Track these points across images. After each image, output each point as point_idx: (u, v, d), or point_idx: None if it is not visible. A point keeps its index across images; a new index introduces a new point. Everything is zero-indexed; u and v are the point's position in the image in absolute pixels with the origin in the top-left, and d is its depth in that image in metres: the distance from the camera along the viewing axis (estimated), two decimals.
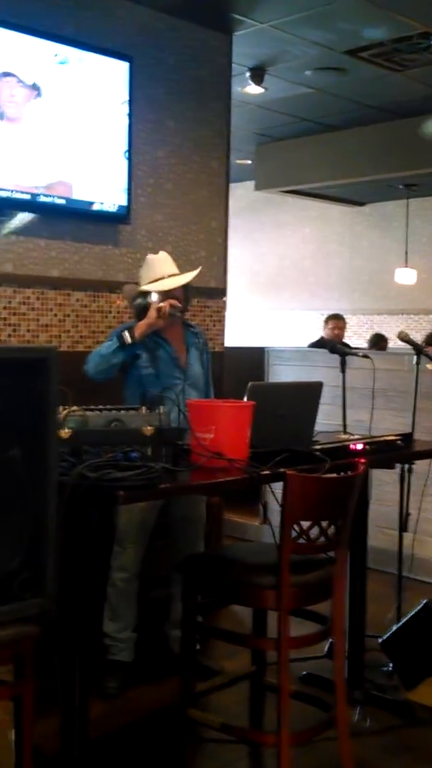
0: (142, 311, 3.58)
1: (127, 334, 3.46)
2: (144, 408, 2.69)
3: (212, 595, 2.85)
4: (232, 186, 5.29)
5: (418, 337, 7.37)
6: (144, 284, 3.63)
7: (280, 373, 5.92)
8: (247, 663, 3.16)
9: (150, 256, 3.73)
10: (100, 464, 2.35)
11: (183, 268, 4.62)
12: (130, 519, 3.43)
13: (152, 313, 3.48)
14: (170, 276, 3.63)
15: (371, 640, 3.55)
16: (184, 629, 2.77)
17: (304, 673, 3.55)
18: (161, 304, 3.49)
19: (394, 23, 5.12)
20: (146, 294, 3.59)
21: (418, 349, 4.05)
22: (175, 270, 3.69)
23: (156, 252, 3.80)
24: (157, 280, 3.60)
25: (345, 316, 8.27)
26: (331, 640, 2.86)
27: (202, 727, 2.86)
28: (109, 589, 3.46)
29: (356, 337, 9.45)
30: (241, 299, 10.39)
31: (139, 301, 3.63)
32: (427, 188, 9.16)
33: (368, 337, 8.91)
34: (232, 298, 5.54)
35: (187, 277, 3.67)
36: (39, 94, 4.03)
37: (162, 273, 3.62)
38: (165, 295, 3.55)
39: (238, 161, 8.68)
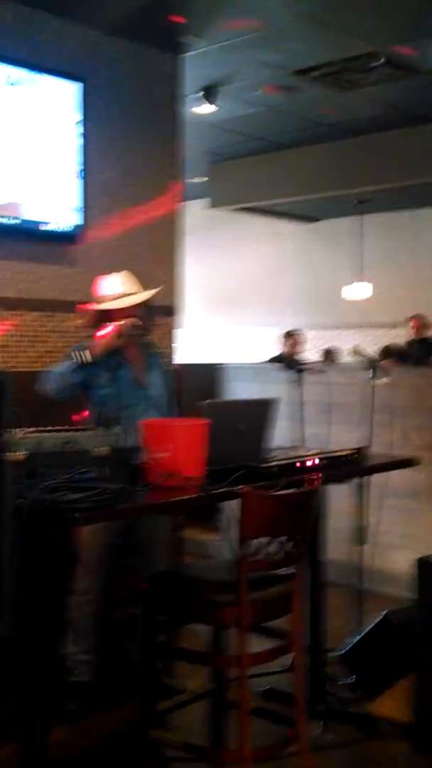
0: (98, 329, 3.57)
1: (86, 353, 3.43)
2: (99, 428, 2.69)
3: (172, 614, 2.85)
4: (188, 204, 5.34)
5: (372, 351, 7.46)
6: (104, 303, 3.61)
7: (238, 390, 5.94)
8: (206, 680, 3.16)
9: (111, 275, 3.70)
10: (55, 486, 2.34)
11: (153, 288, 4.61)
12: (90, 541, 3.41)
13: (111, 332, 3.46)
14: (130, 294, 3.61)
15: (332, 653, 3.57)
16: (144, 649, 2.76)
17: (267, 688, 3.55)
18: (121, 323, 3.47)
19: (342, 44, 5.21)
20: (106, 313, 3.57)
21: (372, 363, 4.11)
22: (136, 288, 3.66)
23: (111, 271, 3.80)
24: (116, 298, 3.58)
25: (301, 331, 8.35)
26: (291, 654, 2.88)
27: (164, 747, 2.85)
28: (72, 612, 3.43)
29: (312, 351, 9.52)
30: (197, 316, 10.43)
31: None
32: (380, 204, 9.29)
33: (321, 351, 9.00)
34: (188, 316, 5.57)
35: (145, 295, 3.63)
36: None
37: (122, 291, 3.60)
38: (125, 313, 3.53)
39: (193, 180, 8.73)
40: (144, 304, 3.61)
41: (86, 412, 3.53)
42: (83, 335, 4.46)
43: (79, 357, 3.42)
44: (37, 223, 4.22)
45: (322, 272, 10.62)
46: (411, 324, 8.54)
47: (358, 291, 9.82)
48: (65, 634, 3.42)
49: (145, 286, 3.79)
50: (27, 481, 2.39)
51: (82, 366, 3.43)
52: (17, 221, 4.12)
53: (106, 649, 3.46)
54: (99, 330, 3.59)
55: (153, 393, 3.62)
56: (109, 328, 3.48)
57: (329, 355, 8.64)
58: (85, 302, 4.46)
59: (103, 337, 3.48)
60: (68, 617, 3.42)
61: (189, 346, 6.17)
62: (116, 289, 3.61)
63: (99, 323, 3.59)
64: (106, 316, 3.57)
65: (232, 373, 6.04)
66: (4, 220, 4.08)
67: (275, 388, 5.43)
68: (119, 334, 3.45)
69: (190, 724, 3.19)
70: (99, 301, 3.64)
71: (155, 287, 3.77)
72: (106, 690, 3.51)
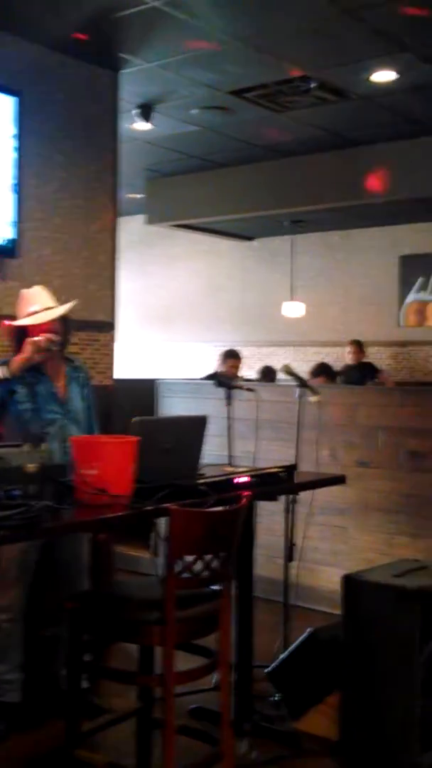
0: (18, 345, 3.52)
1: (4, 369, 3.39)
2: (27, 445, 2.67)
3: (99, 633, 2.83)
4: (124, 219, 5.34)
5: (306, 368, 7.55)
6: (20, 318, 3.56)
7: (171, 406, 5.95)
8: (136, 699, 3.14)
9: (24, 291, 3.62)
10: None
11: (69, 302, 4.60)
12: (10, 559, 3.36)
13: (28, 348, 3.40)
14: (46, 309, 3.54)
15: (259, 670, 3.59)
16: (69, 668, 2.74)
17: (194, 706, 3.55)
18: (37, 339, 3.42)
19: (276, 67, 5.30)
20: (25, 328, 3.53)
21: (302, 382, 4.17)
22: (51, 303, 3.59)
23: (45, 285, 3.75)
24: (32, 314, 3.53)
25: (236, 348, 8.42)
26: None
27: (89, 767, 2.82)
28: None
29: (246, 368, 9.59)
30: (133, 332, 10.42)
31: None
32: (312, 225, 9.44)
33: (258, 368, 9.07)
34: (123, 331, 5.57)
35: (61, 310, 3.57)
36: None
37: (37, 306, 3.54)
38: (42, 328, 3.48)
39: (129, 195, 8.74)
40: (61, 318, 3.55)
41: (2, 429, 3.47)
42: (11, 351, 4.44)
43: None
44: None
45: (257, 290, 10.72)
46: (349, 349, 8.69)
47: (292, 309, 9.94)
48: None
49: (81, 302, 3.76)
50: None
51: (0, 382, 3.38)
52: None
53: (31, 668, 3.42)
54: (15, 345, 3.54)
55: (72, 407, 3.57)
56: (25, 344, 3.43)
57: (268, 372, 8.71)
58: (13, 318, 4.44)
59: (20, 353, 3.44)
60: None
61: (124, 362, 6.16)
62: (32, 304, 3.54)
63: (19, 339, 3.53)
64: (25, 332, 3.50)
65: (166, 389, 6.05)
66: None
67: (209, 404, 5.47)
68: (36, 349, 3.40)
69: (116, 744, 3.16)
70: (18, 316, 3.57)
71: (76, 300, 3.71)
72: (32, 709, 3.47)
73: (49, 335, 3.44)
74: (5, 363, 3.40)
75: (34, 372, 3.48)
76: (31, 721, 3.42)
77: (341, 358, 9.07)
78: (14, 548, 3.29)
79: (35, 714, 3.47)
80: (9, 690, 3.37)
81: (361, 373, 8.26)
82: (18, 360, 3.41)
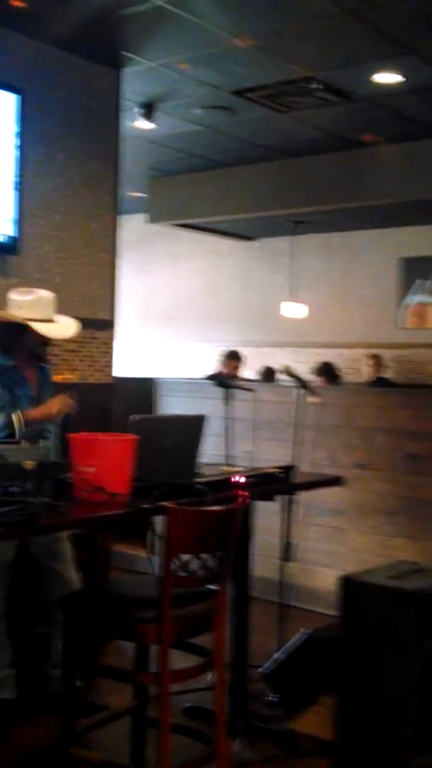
0: (14, 338, 3.48)
1: (19, 417, 3.28)
2: (24, 442, 2.67)
3: (94, 631, 2.83)
4: (126, 218, 5.34)
5: (306, 369, 7.55)
6: (28, 318, 3.48)
7: (170, 405, 5.96)
8: (132, 697, 3.14)
9: (40, 292, 3.57)
10: None
11: (72, 301, 4.63)
12: None
13: (53, 410, 3.38)
14: (50, 321, 3.51)
15: (255, 670, 3.59)
16: (64, 666, 2.74)
17: (189, 705, 3.55)
18: (63, 406, 3.40)
19: (279, 67, 5.30)
20: (23, 326, 3.46)
21: (302, 383, 4.16)
22: (55, 315, 3.58)
23: (46, 283, 3.73)
24: (40, 321, 3.47)
25: (236, 348, 8.41)
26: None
27: (84, 765, 2.82)
28: None
29: (246, 368, 9.59)
30: (133, 330, 10.41)
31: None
32: (313, 226, 9.43)
33: (258, 368, 9.07)
34: (124, 330, 5.57)
35: (74, 332, 3.62)
36: None
37: (48, 315, 3.51)
38: (43, 338, 3.49)
39: (131, 194, 8.74)
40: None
41: None
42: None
43: (15, 421, 3.28)
44: None
45: (258, 291, 10.71)
46: (369, 362, 8.63)
47: (294, 310, 9.93)
48: None
49: (78, 301, 3.76)
50: None
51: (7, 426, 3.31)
52: None
53: (24, 666, 3.42)
54: (6, 339, 3.49)
55: (43, 404, 3.56)
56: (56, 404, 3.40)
57: (268, 373, 8.71)
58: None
59: (48, 405, 3.41)
60: None
61: (124, 360, 6.16)
62: (45, 311, 3.51)
63: (14, 333, 3.48)
64: (23, 331, 3.46)
65: (165, 388, 6.06)
66: None
67: (208, 404, 5.47)
68: (62, 412, 3.39)
69: (110, 742, 3.16)
70: (21, 311, 3.48)
71: (68, 318, 3.67)
72: (26, 706, 3.47)
73: (71, 405, 3.42)
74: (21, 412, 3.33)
75: (13, 375, 3.46)
76: (23, 719, 3.43)
77: (340, 359, 9.07)
78: None
79: (29, 711, 3.48)
80: (3, 687, 3.37)
81: (382, 387, 8.20)
82: (37, 415, 3.37)
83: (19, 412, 3.29)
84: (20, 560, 3.45)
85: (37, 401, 3.51)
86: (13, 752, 3.22)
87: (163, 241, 11.10)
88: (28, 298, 3.52)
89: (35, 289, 3.60)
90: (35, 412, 3.39)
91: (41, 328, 3.46)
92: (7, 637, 3.40)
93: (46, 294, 3.57)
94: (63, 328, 3.57)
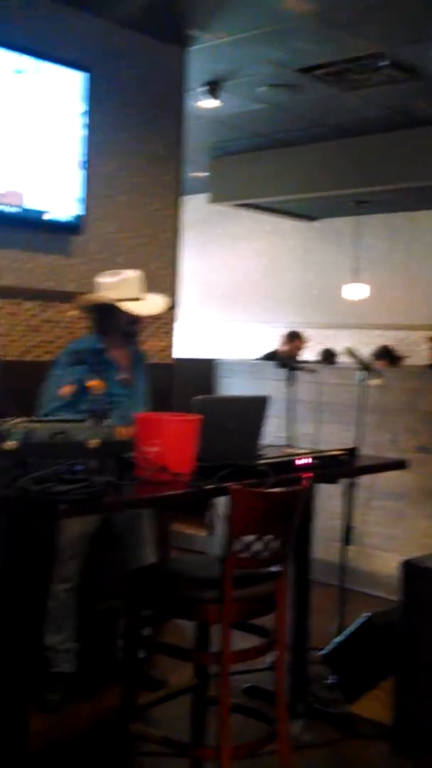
0: (104, 320, 3.56)
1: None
2: (89, 420, 2.69)
3: (156, 609, 2.85)
4: (187, 198, 5.32)
5: (367, 351, 7.47)
6: (116, 298, 3.55)
7: (230, 386, 5.95)
8: (191, 675, 3.16)
9: (127, 272, 3.65)
10: (43, 477, 2.34)
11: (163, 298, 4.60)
12: (71, 530, 3.41)
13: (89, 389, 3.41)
14: (138, 299, 3.57)
15: (315, 652, 3.58)
16: (126, 642, 2.76)
17: (248, 685, 3.56)
18: (95, 395, 3.42)
19: (346, 44, 5.21)
20: (112, 306, 3.54)
21: (365, 365, 4.11)
22: (145, 293, 3.64)
23: (109, 262, 3.76)
24: (130, 300, 3.54)
25: (304, 335, 8.35)
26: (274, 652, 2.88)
27: (143, 741, 2.86)
28: (50, 602, 3.43)
29: (306, 350, 9.54)
30: (193, 311, 10.42)
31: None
32: (377, 205, 9.30)
33: (318, 350, 9.00)
34: (184, 310, 5.56)
35: (162, 308, 3.70)
36: None
37: (136, 294, 3.58)
38: (131, 318, 3.55)
39: (194, 174, 8.71)
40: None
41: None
42: (78, 327, 4.47)
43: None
44: (40, 212, 4.21)
45: (319, 271, 10.62)
46: (426, 346, 8.46)
47: (355, 291, 9.82)
48: (45, 625, 3.43)
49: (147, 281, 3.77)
50: (15, 471, 2.39)
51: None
52: (19, 210, 4.11)
53: (88, 640, 3.47)
54: (94, 317, 3.57)
55: (135, 389, 3.63)
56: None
57: (328, 355, 8.64)
58: (83, 293, 4.48)
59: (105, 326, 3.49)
60: (48, 606, 3.43)
61: (184, 341, 6.17)
62: (132, 290, 3.58)
63: (104, 313, 3.57)
64: (112, 310, 3.54)
65: (226, 369, 6.05)
66: (6, 208, 4.06)
67: (268, 385, 5.44)
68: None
69: (170, 719, 3.19)
70: (110, 292, 3.58)
71: (156, 293, 3.75)
72: (87, 679, 3.52)
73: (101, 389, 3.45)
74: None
75: (102, 357, 3.53)
76: (84, 693, 3.48)
77: (403, 341, 8.95)
78: (74, 520, 3.34)
79: (90, 685, 3.53)
80: (64, 660, 3.43)
81: None
82: (66, 392, 3.40)
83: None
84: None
85: (129, 382, 3.59)
86: (70, 727, 3.27)
87: (223, 221, 11.07)
88: (115, 279, 3.60)
89: (122, 270, 3.68)
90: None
91: (128, 306, 3.51)
92: (75, 609, 3.46)
93: (132, 273, 3.64)
94: (150, 305, 3.63)
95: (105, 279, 3.64)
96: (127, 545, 3.59)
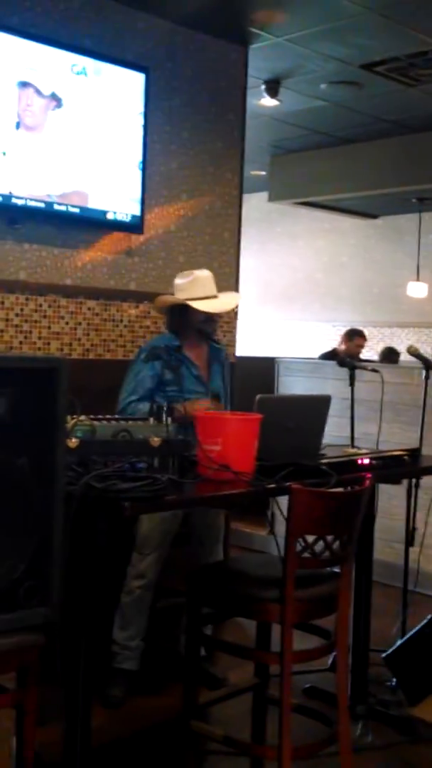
0: (178, 319, 3.67)
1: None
2: (151, 419, 2.70)
3: (217, 608, 2.85)
4: (246, 197, 5.31)
5: (430, 351, 7.36)
6: (187, 298, 3.65)
7: (290, 384, 5.93)
8: (251, 674, 3.16)
9: (197, 272, 3.75)
10: (106, 475, 2.36)
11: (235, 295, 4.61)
12: (153, 527, 3.43)
13: (188, 410, 3.34)
14: (212, 297, 3.67)
15: (375, 654, 3.55)
16: (188, 640, 2.77)
17: (308, 685, 3.55)
18: (199, 409, 3.34)
19: (409, 39, 5.14)
20: (185, 306, 3.63)
21: (428, 364, 4.05)
22: (216, 291, 3.73)
23: (169, 262, 3.81)
24: (201, 299, 3.64)
25: (365, 333, 8.26)
26: (335, 653, 2.86)
27: (204, 739, 2.86)
28: (123, 597, 3.45)
29: (366, 349, 9.46)
30: (253, 310, 10.41)
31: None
32: None
33: (379, 349, 8.90)
34: (244, 309, 5.55)
35: (232, 304, 3.85)
36: (59, 105, 4.06)
37: (207, 293, 3.67)
38: (206, 315, 3.62)
39: (253, 172, 8.70)
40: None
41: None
42: (137, 326, 4.51)
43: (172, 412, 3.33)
44: (103, 212, 4.25)
45: (380, 270, 10.51)
46: None
47: (417, 289, 9.70)
48: (114, 619, 3.45)
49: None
50: (78, 469, 2.41)
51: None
52: (77, 210, 4.16)
53: (151, 636, 3.48)
54: (171, 319, 3.69)
55: (213, 386, 3.68)
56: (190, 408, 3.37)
57: (389, 354, 8.53)
58: (142, 292, 4.52)
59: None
60: (120, 602, 3.45)
61: (243, 340, 6.16)
62: (205, 289, 3.67)
63: (178, 314, 3.68)
64: (186, 310, 3.64)
65: (285, 368, 6.03)
66: (72, 209, 4.12)
67: (328, 384, 5.41)
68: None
69: (230, 718, 3.20)
70: (182, 293, 3.69)
71: (233, 292, 3.90)
72: (148, 678, 3.54)
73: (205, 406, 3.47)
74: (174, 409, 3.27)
75: (178, 354, 3.58)
76: (145, 690, 3.50)
77: None
78: (157, 517, 3.36)
79: (150, 683, 3.55)
80: (129, 658, 3.45)
81: None
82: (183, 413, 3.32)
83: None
84: None
85: (206, 378, 3.66)
86: (136, 722, 3.30)
87: (282, 219, 11.04)
88: (187, 279, 3.73)
89: (194, 271, 3.79)
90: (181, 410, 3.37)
91: (200, 305, 3.61)
92: (148, 607, 3.47)
93: (202, 273, 3.75)
94: (221, 302, 3.71)
95: (178, 280, 3.77)
96: (203, 542, 3.63)
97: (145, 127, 4.42)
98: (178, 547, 3.63)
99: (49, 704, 2.36)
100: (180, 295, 3.70)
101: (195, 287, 3.67)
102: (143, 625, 3.47)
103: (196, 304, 3.62)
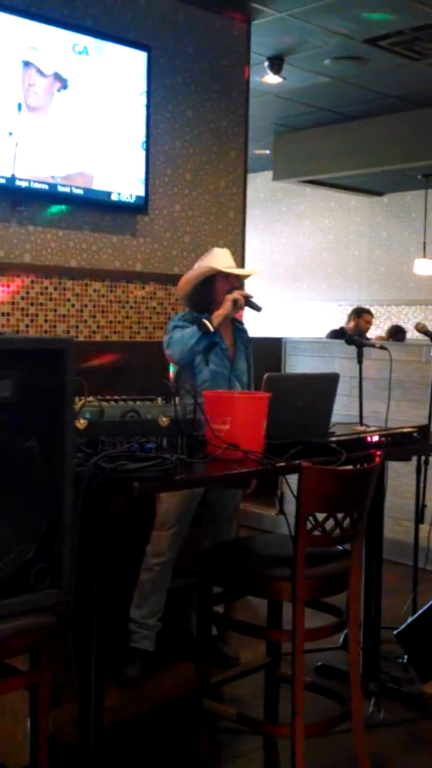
0: (203, 296, 3.64)
1: (207, 322, 3.49)
2: (160, 399, 2.70)
3: (228, 587, 2.85)
4: (251, 176, 5.28)
5: None
6: (203, 270, 3.66)
7: (298, 364, 5.92)
8: (263, 653, 3.17)
9: (216, 249, 3.77)
10: (115, 455, 2.35)
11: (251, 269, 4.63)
12: (173, 505, 3.42)
13: (228, 304, 3.52)
14: (234, 268, 3.70)
15: (387, 631, 3.55)
16: (199, 621, 2.78)
17: (320, 663, 3.56)
18: (236, 296, 3.53)
19: (413, 11, 5.07)
20: (209, 281, 3.62)
21: None
22: (235, 265, 3.76)
23: (174, 242, 3.78)
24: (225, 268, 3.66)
25: (371, 312, 8.23)
26: (346, 631, 2.87)
27: (217, 718, 2.88)
28: (142, 574, 3.44)
29: (373, 328, 9.43)
30: (259, 290, 10.37)
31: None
32: None
33: (386, 327, 8.87)
34: (250, 288, 5.53)
35: (255, 271, 3.88)
36: (65, 86, 4.03)
37: (230, 264, 3.68)
38: (236, 283, 3.63)
39: (257, 151, 8.64)
40: (239, 279, 3.71)
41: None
42: (143, 306, 4.49)
43: (203, 326, 3.47)
44: (107, 193, 4.23)
45: (387, 247, 10.45)
46: None
47: (424, 267, 9.65)
48: (131, 598, 3.45)
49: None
50: (87, 450, 2.41)
51: (205, 334, 3.49)
52: (81, 192, 4.13)
53: (163, 616, 3.48)
54: (196, 300, 3.67)
55: (238, 365, 3.66)
56: (225, 301, 3.54)
57: (397, 332, 8.49)
58: (148, 273, 4.50)
59: (219, 308, 3.54)
60: (139, 579, 3.45)
61: (250, 320, 6.14)
62: (226, 261, 3.69)
63: (201, 291, 3.65)
64: (210, 285, 3.63)
65: (292, 347, 6.01)
66: (69, 190, 4.09)
67: (336, 363, 5.39)
68: (235, 306, 3.53)
69: (243, 696, 3.21)
70: (206, 268, 3.69)
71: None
72: (161, 657, 3.54)
73: (246, 292, 3.59)
74: (206, 318, 3.51)
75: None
76: (159, 669, 3.51)
77: None
78: (177, 495, 3.36)
79: (163, 662, 3.56)
80: (145, 637, 3.43)
81: None
82: (219, 315, 3.53)
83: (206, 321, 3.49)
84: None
85: (232, 356, 3.64)
86: (150, 701, 3.31)
87: (287, 198, 10.97)
88: (208, 254, 3.75)
89: (210, 250, 3.81)
90: (216, 316, 3.52)
91: (225, 269, 3.63)
92: (166, 585, 3.46)
93: (219, 249, 3.78)
94: (244, 269, 3.79)
95: (197, 263, 3.78)
96: (218, 522, 3.63)
97: (148, 106, 4.39)
98: (190, 527, 3.62)
99: (64, 685, 2.37)
100: (205, 263, 3.70)
101: (217, 258, 3.69)
102: (161, 604, 3.45)
103: (222, 268, 3.63)
